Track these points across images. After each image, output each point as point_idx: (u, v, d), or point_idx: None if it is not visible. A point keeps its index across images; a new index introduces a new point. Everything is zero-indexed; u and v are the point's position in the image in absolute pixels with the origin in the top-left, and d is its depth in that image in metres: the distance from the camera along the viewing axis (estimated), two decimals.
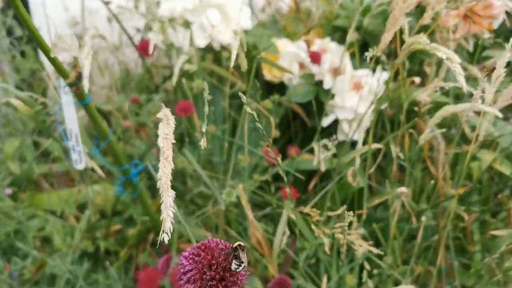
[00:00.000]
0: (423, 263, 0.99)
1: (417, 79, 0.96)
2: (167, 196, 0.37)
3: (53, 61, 0.60)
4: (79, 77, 0.68)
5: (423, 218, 0.87)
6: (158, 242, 0.34)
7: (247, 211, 1.00)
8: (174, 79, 0.99)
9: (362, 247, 0.74)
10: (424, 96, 0.88)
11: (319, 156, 0.96)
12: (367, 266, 0.80)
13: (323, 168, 0.98)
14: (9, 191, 1.23)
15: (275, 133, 1.02)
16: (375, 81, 1.04)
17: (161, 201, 0.37)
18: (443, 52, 0.62)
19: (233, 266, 0.38)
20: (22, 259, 1.15)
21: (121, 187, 0.86)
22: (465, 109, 0.75)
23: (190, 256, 0.39)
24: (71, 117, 0.74)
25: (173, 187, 0.39)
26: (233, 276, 0.39)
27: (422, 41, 0.67)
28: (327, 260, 0.94)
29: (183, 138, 1.05)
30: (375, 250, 0.75)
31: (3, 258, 1.23)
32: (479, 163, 0.99)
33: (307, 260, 0.93)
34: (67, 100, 0.73)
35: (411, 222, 0.95)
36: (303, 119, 1.24)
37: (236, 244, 0.39)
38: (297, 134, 1.31)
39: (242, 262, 0.38)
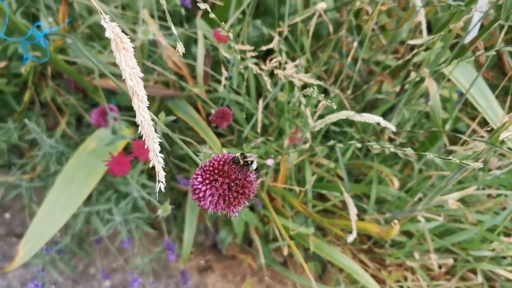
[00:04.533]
0: (328, 51, 1.08)
1: None
2: (154, 143, 0.36)
3: None
4: None
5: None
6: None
7: (159, 37, 0.96)
8: None
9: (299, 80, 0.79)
10: None
11: None
12: (302, 78, 0.86)
13: None
14: None
15: None
16: None
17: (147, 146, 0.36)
18: None
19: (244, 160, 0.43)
20: None
21: (28, 54, 0.76)
22: None
23: (200, 177, 0.43)
24: None
25: None
26: (243, 178, 0.44)
27: None
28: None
29: None
30: (311, 80, 0.80)
31: None
32: None
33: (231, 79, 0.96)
34: None
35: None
36: None
37: (237, 154, 0.43)
38: None
39: (251, 159, 0.43)
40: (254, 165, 0.45)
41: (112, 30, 0.34)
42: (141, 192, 0.98)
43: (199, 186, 0.43)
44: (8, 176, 1.10)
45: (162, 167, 0.37)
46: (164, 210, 0.78)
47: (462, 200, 1.06)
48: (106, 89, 1.05)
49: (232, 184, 0.43)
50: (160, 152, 0.37)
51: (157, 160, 0.36)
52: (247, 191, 0.44)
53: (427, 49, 0.95)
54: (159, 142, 0.37)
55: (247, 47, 0.81)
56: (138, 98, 0.35)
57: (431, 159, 0.91)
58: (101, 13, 0.35)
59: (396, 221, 0.67)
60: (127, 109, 1.16)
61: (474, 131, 1.04)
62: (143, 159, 0.76)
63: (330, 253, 0.97)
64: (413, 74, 0.96)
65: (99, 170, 0.94)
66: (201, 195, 0.43)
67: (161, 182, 0.37)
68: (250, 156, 0.43)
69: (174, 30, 0.47)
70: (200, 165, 0.44)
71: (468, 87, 0.88)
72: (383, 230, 0.74)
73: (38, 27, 0.73)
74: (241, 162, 0.43)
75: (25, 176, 1.07)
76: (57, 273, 1.08)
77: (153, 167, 0.37)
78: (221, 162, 0.44)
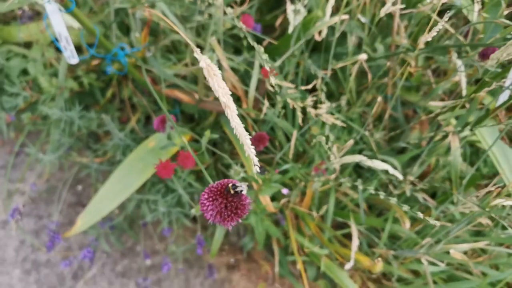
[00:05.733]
0: (372, 92, 1.18)
1: None
2: (246, 139, 0.49)
3: None
4: None
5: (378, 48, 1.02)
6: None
7: (222, 61, 1.12)
8: None
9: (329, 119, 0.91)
10: None
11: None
12: (329, 118, 0.97)
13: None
14: None
15: None
16: None
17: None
18: None
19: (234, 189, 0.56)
20: (12, 98, 1.26)
21: (110, 67, 0.94)
22: None
23: (207, 195, 0.56)
24: (58, 23, 0.78)
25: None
26: (238, 201, 0.57)
27: None
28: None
29: None
30: (338, 122, 0.92)
31: None
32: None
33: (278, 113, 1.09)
34: (52, 8, 0.75)
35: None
36: None
37: (230, 183, 0.56)
38: None
39: (241, 188, 0.56)
40: (244, 191, 0.57)
41: (204, 61, 0.48)
42: (186, 190, 1.14)
43: (205, 202, 0.57)
44: (83, 157, 1.31)
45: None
46: (197, 210, 0.93)
47: (479, 250, 1.12)
48: (171, 98, 1.22)
49: (228, 205, 0.56)
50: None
51: (250, 151, 0.49)
52: (239, 212, 0.58)
53: (463, 106, 1.02)
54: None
55: (289, 84, 0.94)
56: (230, 109, 0.48)
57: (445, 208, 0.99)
58: (193, 46, 0.49)
59: (379, 258, 0.77)
60: (190, 117, 1.33)
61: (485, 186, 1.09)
62: (186, 167, 0.91)
63: (339, 276, 1.07)
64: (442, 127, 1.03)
65: (153, 166, 1.12)
66: (205, 208, 0.57)
67: (256, 165, 0.50)
68: (240, 186, 0.57)
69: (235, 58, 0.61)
70: (209, 185, 0.58)
71: (491, 144, 0.95)
72: (371, 264, 0.84)
73: (122, 48, 0.90)
74: (231, 191, 0.56)
75: (96, 159, 1.28)
76: (108, 245, 1.27)
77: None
78: (224, 186, 0.58)
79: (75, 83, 1.30)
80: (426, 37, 0.74)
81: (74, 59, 0.86)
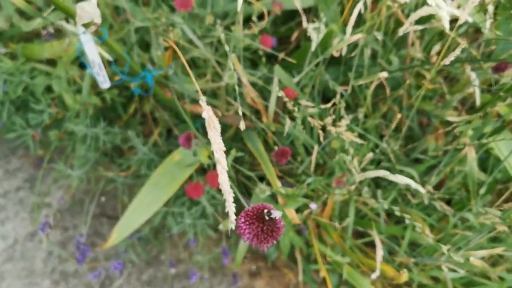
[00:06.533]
0: (389, 103, 1.22)
1: None
2: (229, 196, 0.52)
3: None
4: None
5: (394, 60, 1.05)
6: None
7: (242, 77, 1.15)
8: None
9: (347, 136, 0.95)
10: None
11: None
12: (349, 136, 1.01)
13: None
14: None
15: None
16: None
17: (224, 197, 0.54)
18: None
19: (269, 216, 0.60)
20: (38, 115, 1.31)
21: (138, 88, 0.98)
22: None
23: (243, 219, 0.61)
24: (92, 51, 0.82)
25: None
26: (273, 225, 0.61)
27: None
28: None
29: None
30: (356, 139, 0.96)
31: (19, 115, 1.39)
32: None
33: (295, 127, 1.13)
34: (86, 38, 0.79)
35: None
36: None
37: (265, 209, 0.60)
38: None
39: (275, 215, 0.60)
40: (278, 217, 0.61)
41: (207, 112, 0.52)
42: (210, 202, 1.19)
43: (242, 225, 0.61)
44: (109, 171, 1.35)
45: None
46: (224, 225, 0.97)
47: (498, 256, 1.15)
48: (194, 113, 1.26)
49: (264, 228, 0.60)
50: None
51: (230, 208, 0.53)
52: (275, 234, 0.62)
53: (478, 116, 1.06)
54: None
55: (308, 103, 0.98)
56: (220, 165, 0.52)
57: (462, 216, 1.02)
58: (199, 93, 0.53)
59: (405, 270, 0.81)
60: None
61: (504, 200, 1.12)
62: (215, 187, 0.95)
63: (361, 283, 1.11)
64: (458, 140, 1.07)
65: (179, 180, 1.16)
66: (242, 231, 0.61)
67: (232, 222, 0.55)
68: (274, 212, 0.60)
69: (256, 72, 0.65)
70: (245, 209, 0.62)
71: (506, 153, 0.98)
72: (397, 274, 0.88)
73: (149, 70, 0.94)
74: (266, 217, 0.59)
75: (121, 173, 1.32)
76: (134, 255, 1.32)
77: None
78: (259, 211, 0.62)
79: (98, 99, 1.34)
80: (445, 60, 0.78)
81: (106, 84, 0.91)
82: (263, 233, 0.61)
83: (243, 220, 0.62)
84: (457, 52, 0.75)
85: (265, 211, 0.61)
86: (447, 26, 0.72)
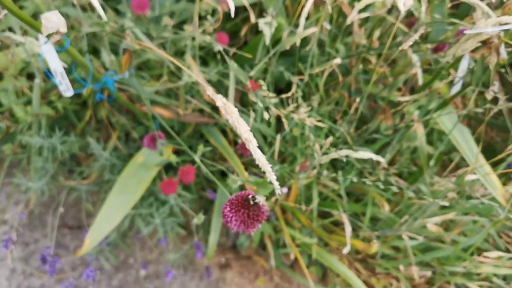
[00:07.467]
0: (339, 90, 1.28)
1: None
2: (268, 167, 0.55)
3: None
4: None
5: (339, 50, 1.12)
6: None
7: (198, 76, 1.18)
8: None
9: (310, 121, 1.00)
10: None
11: None
12: (313, 121, 1.07)
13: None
14: None
15: None
16: None
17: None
18: None
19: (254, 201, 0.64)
20: None
21: (100, 94, 0.98)
22: None
23: (229, 207, 0.64)
24: (54, 60, 0.82)
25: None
26: (258, 209, 0.65)
27: None
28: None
29: None
30: (320, 124, 1.01)
31: None
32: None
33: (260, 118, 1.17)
34: (47, 48, 0.79)
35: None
36: None
37: (249, 195, 0.64)
38: None
39: (259, 199, 0.64)
40: (262, 200, 0.66)
41: (221, 100, 0.55)
42: (177, 201, 1.21)
43: (228, 214, 0.64)
44: (70, 180, 1.33)
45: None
46: (199, 219, 1.00)
47: (449, 221, 1.26)
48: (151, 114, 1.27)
49: (250, 213, 0.64)
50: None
51: (271, 176, 0.55)
52: (259, 218, 0.66)
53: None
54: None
55: (270, 94, 1.03)
56: (251, 144, 0.54)
57: (416, 188, 1.11)
58: (205, 86, 0.56)
59: (375, 240, 0.88)
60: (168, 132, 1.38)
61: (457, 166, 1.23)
62: (187, 182, 0.98)
63: (329, 260, 1.17)
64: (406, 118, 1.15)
65: (146, 180, 1.17)
66: (228, 219, 0.64)
67: (278, 189, 0.57)
68: (258, 197, 0.64)
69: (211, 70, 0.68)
70: (228, 198, 0.65)
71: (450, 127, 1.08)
72: (366, 246, 0.94)
73: (110, 75, 0.95)
74: (251, 202, 0.63)
75: (83, 181, 1.31)
76: (104, 261, 1.31)
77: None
78: (244, 197, 0.65)
79: (50, 109, 1.32)
80: (404, 45, 0.84)
81: (69, 92, 0.90)
82: (249, 218, 0.65)
83: (228, 209, 0.65)
84: (409, 43, 0.82)
85: (250, 196, 0.65)
86: (402, 8, 0.78)
